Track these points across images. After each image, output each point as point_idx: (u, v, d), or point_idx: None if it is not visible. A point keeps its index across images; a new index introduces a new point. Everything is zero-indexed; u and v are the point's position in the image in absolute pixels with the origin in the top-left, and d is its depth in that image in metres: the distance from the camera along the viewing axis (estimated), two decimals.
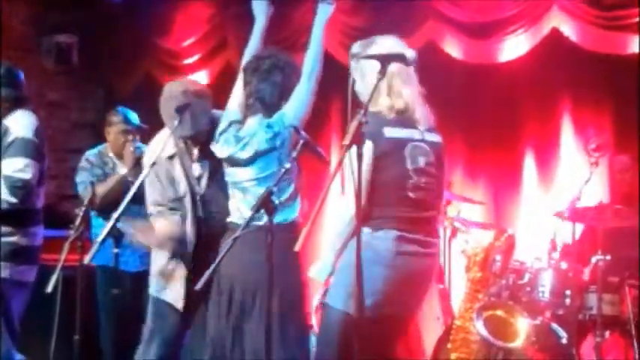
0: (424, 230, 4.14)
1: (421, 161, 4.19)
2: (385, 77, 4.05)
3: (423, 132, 4.27)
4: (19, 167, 5.24)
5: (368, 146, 4.05)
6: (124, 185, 5.80)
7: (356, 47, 4.38)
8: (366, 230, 4.10)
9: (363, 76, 4.28)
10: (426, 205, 4.20)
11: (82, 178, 6.29)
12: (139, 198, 4.78)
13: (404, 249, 4.10)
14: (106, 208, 5.70)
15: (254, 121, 4.70)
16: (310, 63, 4.74)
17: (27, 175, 5.26)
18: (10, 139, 5.29)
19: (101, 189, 6.09)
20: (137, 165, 5.78)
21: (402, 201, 4.14)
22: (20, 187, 5.24)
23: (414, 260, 4.12)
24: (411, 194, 4.14)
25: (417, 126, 4.25)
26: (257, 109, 4.71)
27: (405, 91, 4.23)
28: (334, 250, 4.16)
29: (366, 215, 4.05)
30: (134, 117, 6.39)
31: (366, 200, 4.07)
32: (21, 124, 5.35)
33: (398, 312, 4.23)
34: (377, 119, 4.13)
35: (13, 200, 5.23)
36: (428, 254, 4.16)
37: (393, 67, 4.12)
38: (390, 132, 4.16)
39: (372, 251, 4.06)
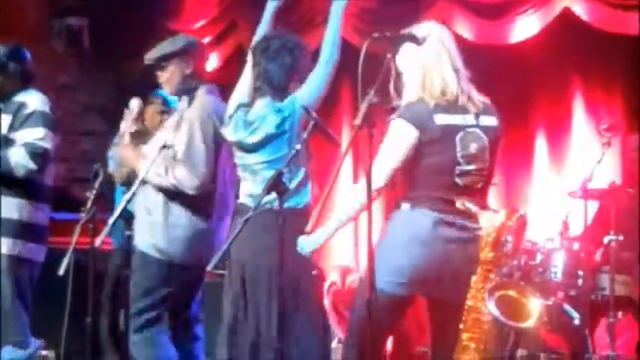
0: (465, 214, 4.09)
1: (472, 147, 4.11)
2: (420, 62, 4.09)
3: (477, 116, 4.18)
4: (39, 136, 5.32)
5: (412, 133, 4.03)
6: None
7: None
8: (404, 206, 4.10)
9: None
10: (472, 190, 4.15)
11: (113, 153, 6.31)
12: None
13: (443, 231, 4.06)
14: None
15: (262, 104, 4.67)
16: (328, 50, 4.70)
17: (47, 145, 5.34)
18: (28, 111, 5.37)
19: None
20: None
21: (445, 186, 4.09)
22: (41, 155, 5.30)
23: (453, 244, 4.08)
24: (458, 180, 4.09)
25: (469, 110, 4.16)
26: (265, 91, 4.68)
27: (440, 75, 4.17)
28: (337, 222, 4.13)
29: (404, 194, 4.09)
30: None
31: (407, 183, 4.08)
32: (38, 99, 5.45)
33: (429, 294, 4.23)
34: (424, 106, 4.09)
35: (33, 166, 5.28)
36: (469, 239, 4.12)
37: (426, 51, 4.10)
38: (441, 119, 4.08)
39: (410, 229, 4.06)
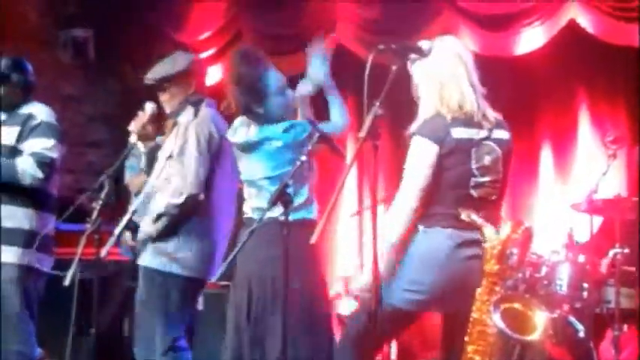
0: (477, 228, 4.12)
1: (487, 159, 4.17)
2: (437, 76, 4.13)
3: (490, 130, 4.22)
4: (47, 146, 5.39)
5: (433, 149, 4.07)
6: None
7: None
8: (422, 228, 4.13)
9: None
10: (486, 203, 4.20)
11: (130, 162, 6.34)
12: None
13: (463, 250, 4.12)
14: None
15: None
16: (339, 113, 4.82)
17: (54, 154, 5.41)
18: (35, 122, 5.43)
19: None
20: None
21: (461, 199, 4.13)
22: (48, 164, 5.36)
23: (472, 260, 4.14)
24: (473, 192, 4.15)
25: (483, 124, 4.20)
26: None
27: (458, 89, 4.18)
28: (389, 244, 4.13)
29: (422, 212, 4.10)
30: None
31: (425, 198, 4.09)
32: (44, 111, 5.52)
33: (444, 309, 4.29)
34: (441, 120, 4.13)
35: (40, 175, 5.33)
36: (482, 254, 4.16)
37: (442, 65, 4.14)
38: (458, 132, 4.13)
39: (430, 251, 4.10)
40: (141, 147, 5.19)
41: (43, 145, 5.38)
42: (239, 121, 4.77)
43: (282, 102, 4.70)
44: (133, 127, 5.17)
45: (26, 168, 5.29)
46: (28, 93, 5.57)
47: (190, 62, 5.16)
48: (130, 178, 6.07)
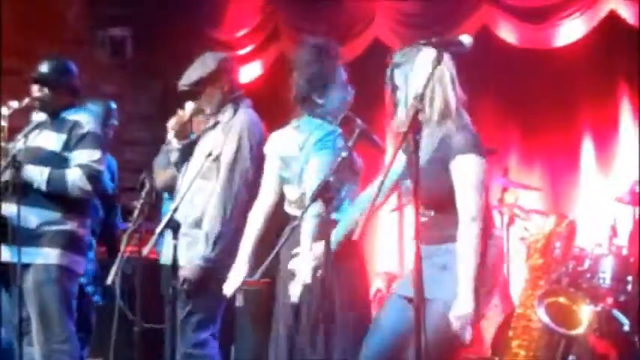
0: None
1: None
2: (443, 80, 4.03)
3: None
4: (95, 158, 5.37)
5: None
6: None
7: None
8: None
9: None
10: None
11: (158, 159, 6.40)
12: None
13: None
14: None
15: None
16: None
17: (102, 167, 5.42)
18: (82, 131, 5.39)
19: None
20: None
21: None
22: (96, 177, 5.37)
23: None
24: None
25: None
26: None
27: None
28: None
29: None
30: None
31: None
32: (91, 119, 5.49)
33: None
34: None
35: (89, 188, 5.34)
36: None
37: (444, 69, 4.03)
38: None
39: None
40: (175, 143, 5.20)
41: (90, 157, 5.36)
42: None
43: (343, 97, 4.69)
44: (172, 124, 5.18)
45: (76, 180, 5.29)
46: (73, 97, 5.54)
47: (220, 61, 5.15)
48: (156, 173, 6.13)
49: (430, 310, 3.81)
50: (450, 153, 3.97)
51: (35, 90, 5.47)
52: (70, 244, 5.39)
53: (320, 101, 4.63)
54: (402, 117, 4.02)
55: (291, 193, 4.69)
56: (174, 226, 4.46)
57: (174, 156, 5.25)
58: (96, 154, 5.38)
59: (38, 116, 5.54)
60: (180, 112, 5.18)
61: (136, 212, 4.78)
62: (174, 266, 4.59)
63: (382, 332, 3.98)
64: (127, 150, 8.77)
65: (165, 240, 5.03)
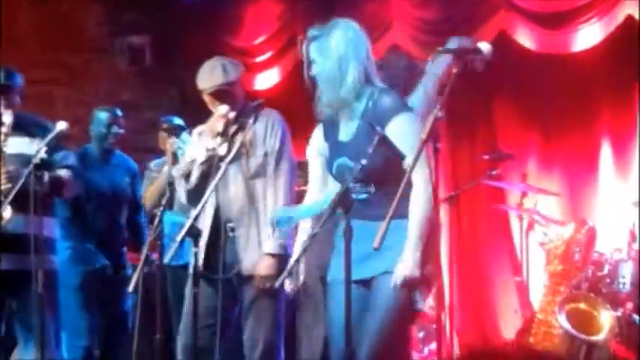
0: None
1: None
2: None
3: None
4: (74, 158, 5.50)
5: None
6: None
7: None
8: None
9: None
10: None
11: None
12: None
13: None
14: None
15: None
16: None
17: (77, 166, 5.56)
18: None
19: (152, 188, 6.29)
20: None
21: None
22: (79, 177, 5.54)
23: None
24: None
25: None
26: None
27: None
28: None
29: None
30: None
31: None
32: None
33: None
34: None
35: (78, 188, 5.56)
36: None
37: None
38: None
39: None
40: (213, 144, 5.13)
41: (71, 157, 5.45)
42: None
43: None
44: (209, 124, 5.11)
45: (70, 181, 5.36)
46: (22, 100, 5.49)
47: (241, 68, 5.21)
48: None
49: (379, 286, 3.94)
50: (381, 118, 4.04)
51: None
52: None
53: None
54: (322, 95, 4.12)
55: None
56: (194, 234, 4.47)
57: (198, 168, 5.19)
58: (72, 154, 5.47)
59: None
60: (222, 109, 5.09)
61: (156, 220, 4.80)
62: (195, 273, 4.61)
63: (339, 324, 3.95)
64: (146, 157, 8.80)
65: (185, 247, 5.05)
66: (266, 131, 5.08)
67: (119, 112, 6.51)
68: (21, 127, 5.31)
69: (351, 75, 4.14)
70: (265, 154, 5.05)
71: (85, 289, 6.11)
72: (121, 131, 6.46)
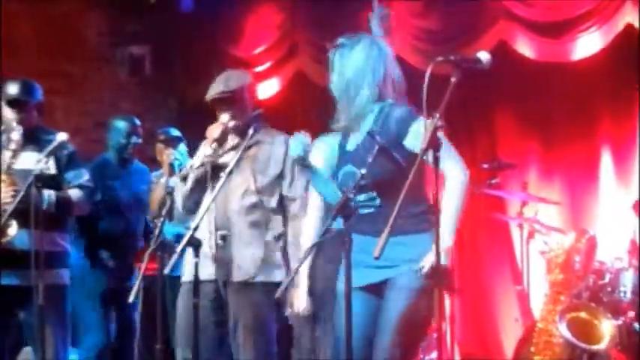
0: None
1: None
2: None
3: None
4: (87, 177, 5.50)
5: None
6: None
7: None
8: None
9: None
10: None
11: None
12: None
13: None
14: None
15: None
16: None
17: (92, 185, 5.60)
18: (67, 151, 5.41)
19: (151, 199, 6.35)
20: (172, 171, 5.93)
21: None
22: (92, 195, 5.65)
23: None
24: None
25: None
26: None
27: None
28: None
29: None
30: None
31: None
32: (66, 136, 5.36)
33: None
34: None
35: (89, 208, 5.58)
36: None
37: None
38: None
39: None
40: (209, 152, 5.13)
41: (84, 176, 5.45)
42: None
43: None
44: (216, 133, 5.10)
45: (80, 201, 5.38)
46: (41, 116, 5.50)
47: (249, 78, 5.21)
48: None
49: (394, 287, 3.99)
50: (400, 128, 4.11)
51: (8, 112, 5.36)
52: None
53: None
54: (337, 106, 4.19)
55: None
56: (195, 244, 4.47)
57: (194, 173, 5.18)
58: (86, 173, 5.45)
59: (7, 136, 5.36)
60: (223, 117, 5.09)
61: (156, 230, 4.80)
62: (196, 283, 4.60)
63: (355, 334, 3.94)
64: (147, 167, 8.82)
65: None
66: (286, 155, 5.01)
67: (137, 122, 6.53)
68: (33, 142, 5.33)
69: (362, 96, 4.18)
70: (278, 177, 5.04)
71: (102, 295, 6.16)
72: (140, 141, 6.49)
